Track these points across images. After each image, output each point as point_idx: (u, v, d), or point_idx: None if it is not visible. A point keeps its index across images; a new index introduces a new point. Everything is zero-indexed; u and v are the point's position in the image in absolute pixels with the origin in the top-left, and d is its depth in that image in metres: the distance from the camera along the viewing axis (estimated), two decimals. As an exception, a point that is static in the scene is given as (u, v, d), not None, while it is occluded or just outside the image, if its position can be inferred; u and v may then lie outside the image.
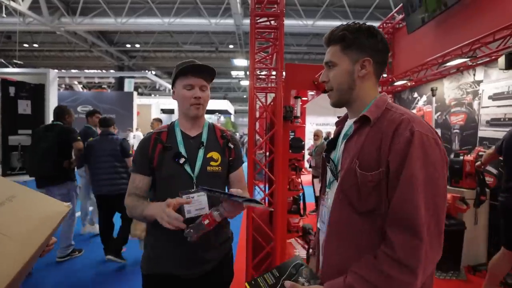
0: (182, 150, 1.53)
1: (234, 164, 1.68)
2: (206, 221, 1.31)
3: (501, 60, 3.41)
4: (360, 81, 1.12)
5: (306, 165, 10.98)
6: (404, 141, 0.96)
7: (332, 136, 1.33)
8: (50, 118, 8.97)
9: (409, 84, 6.55)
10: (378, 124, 1.04)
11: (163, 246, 1.50)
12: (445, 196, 0.99)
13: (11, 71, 12.27)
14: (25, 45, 17.76)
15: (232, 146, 1.67)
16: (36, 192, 1.19)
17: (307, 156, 10.40)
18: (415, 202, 0.92)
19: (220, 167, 1.59)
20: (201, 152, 1.56)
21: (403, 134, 0.97)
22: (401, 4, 6.22)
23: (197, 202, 1.46)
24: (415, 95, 6.56)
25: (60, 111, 4.11)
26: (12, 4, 10.40)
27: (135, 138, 14.08)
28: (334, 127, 1.36)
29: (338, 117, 1.31)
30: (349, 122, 1.18)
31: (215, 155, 1.59)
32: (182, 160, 1.51)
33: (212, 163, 1.57)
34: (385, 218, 0.98)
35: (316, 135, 6.92)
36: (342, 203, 1.08)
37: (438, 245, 0.95)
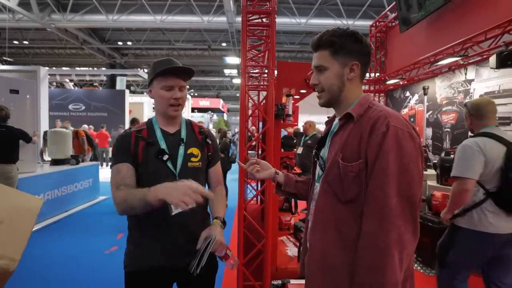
0: (164, 146, 1.54)
1: (213, 159, 1.72)
2: (230, 260, 1.55)
3: (492, 59, 3.43)
4: (349, 83, 1.20)
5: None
6: (380, 135, 1.04)
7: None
8: (41, 115, 8.93)
9: (401, 83, 6.59)
10: (360, 120, 1.13)
11: (149, 241, 1.50)
12: (420, 184, 1.06)
13: (1, 69, 12.09)
14: (15, 42, 17.47)
15: (210, 141, 1.71)
16: (12, 188, 1.32)
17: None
18: (385, 190, 1.01)
19: (200, 163, 1.62)
20: (181, 149, 1.57)
21: (380, 129, 1.05)
22: (394, 3, 6.24)
23: None
24: (407, 94, 6.59)
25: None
26: (1, 0, 10.22)
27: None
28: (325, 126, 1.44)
29: (328, 117, 1.39)
30: (336, 121, 1.27)
31: (195, 151, 1.61)
32: (165, 157, 1.51)
33: (192, 159, 1.59)
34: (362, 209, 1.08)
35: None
36: (327, 193, 1.18)
37: (413, 229, 1.04)
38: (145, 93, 24.34)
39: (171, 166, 1.52)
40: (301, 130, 7.09)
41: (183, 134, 1.62)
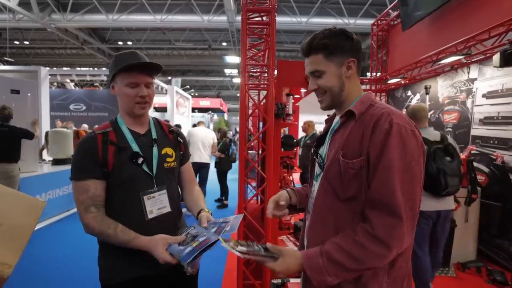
0: (137, 149, 1.45)
1: (184, 157, 1.68)
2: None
3: (496, 58, 3.40)
4: (348, 81, 1.20)
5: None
6: (384, 132, 1.03)
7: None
8: (42, 115, 8.93)
9: (403, 82, 6.55)
10: (362, 118, 1.12)
11: (127, 250, 1.36)
12: (421, 183, 1.07)
13: (2, 69, 12.09)
14: (16, 42, 17.49)
15: (181, 140, 1.66)
16: (14, 190, 1.28)
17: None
18: (392, 187, 1.00)
19: (175, 162, 1.58)
20: (155, 150, 1.51)
21: (383, 126, 1.04)
22: (396, 1, 6.22)
23: (158, 201, 1.46)
24: (409, 93, 6.56)
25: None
26: (2, 0, 10.21)
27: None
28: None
29: (328, 115, 1.38)
30: (337, 118, 1.25)
31: (169, 150, 1.56)
32: (140, 160, 1.44)
33: (168, 159, 1.54)
34: (364, 204, 1.07)
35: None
36: (326, 190, 1.17)
37: (411, 227, 1.04)
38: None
39: (147, 169, 1.45)
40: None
41: (154, 134, 1.55)
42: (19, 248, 1.15)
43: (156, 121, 1.65)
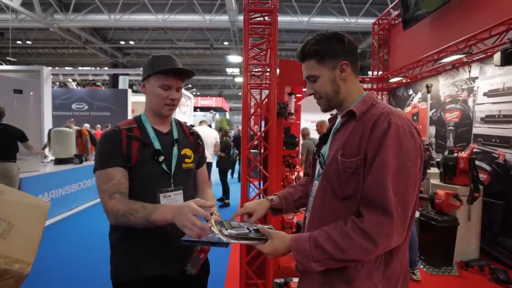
0: (158, 147, 1.48)
1: (201, 160, 1.72)
2: (202, 255, 1.34)
3: (497, 57, 3.41)
4: (343, 83, 1.21)
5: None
6: (381, 131, 1.04)
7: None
8: (44, 114, 8.99)
9: (404, 81, 6.55)
10: (363, 118, 1.13)
11: (144, 248, 1.40)
12: (416, 184, 1.07)
13: (5, 69, 12.13)
14: (18, 42, 17.54)
15: (200, 142, 1.70)
16: (17, 190, 1.29)
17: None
18: (384, 186, 1.01)
19: (193, 164, 1.60)
20: (175, 150, 1.54)
21: (381, 125, 1.05)
22: (397, 0, 6.22)
23: (173, 201, 1.47)
24: (410, 92, 6.56)
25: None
26: (4, 0, 10.24)
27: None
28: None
29: (331, 114, 1.39)
30: (339, 118, 1.27)
31: (188, 151, 1.59)
32: (161, 158, 1.46)
33: (186, 160, 1.57)
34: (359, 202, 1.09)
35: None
36: (325, 189, 1.18)
37: (402, 228, 1.03)
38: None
39: (166, 167, 1.48)
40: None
41: (175, 135, 1.58)
42: (34, 247, 1.16)
43: (178, 122, 1.69)
